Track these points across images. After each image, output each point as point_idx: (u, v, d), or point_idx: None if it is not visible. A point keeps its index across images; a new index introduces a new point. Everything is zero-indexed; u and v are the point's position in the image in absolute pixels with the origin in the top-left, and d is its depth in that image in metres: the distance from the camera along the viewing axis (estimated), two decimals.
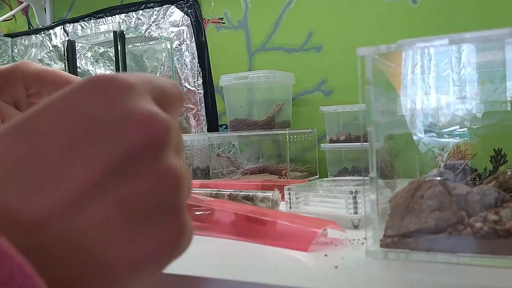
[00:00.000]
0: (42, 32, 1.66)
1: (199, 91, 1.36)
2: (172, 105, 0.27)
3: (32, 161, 0.20)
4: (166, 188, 0.23)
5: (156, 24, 1.43)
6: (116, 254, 0.21)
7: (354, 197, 0.54)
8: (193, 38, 1.36)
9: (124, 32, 1.23)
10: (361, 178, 0.71)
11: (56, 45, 1.64)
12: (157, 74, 1.42)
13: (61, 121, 0.21)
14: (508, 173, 0.47)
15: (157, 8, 1.43)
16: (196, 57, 1.36)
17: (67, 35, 1.59)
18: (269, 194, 0.66)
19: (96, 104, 0.22)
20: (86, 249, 0.20)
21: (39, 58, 1.67)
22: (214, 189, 0.73)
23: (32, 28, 1.73)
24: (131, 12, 1.48)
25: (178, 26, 1.39)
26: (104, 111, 0.22)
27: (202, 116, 1.36)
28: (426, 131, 0.53)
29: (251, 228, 0.50)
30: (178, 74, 1.39)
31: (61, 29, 1.62)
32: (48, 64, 1.65)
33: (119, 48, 1.21)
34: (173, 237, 0.23)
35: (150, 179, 0.22)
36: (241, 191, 0.70)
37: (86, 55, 1.54)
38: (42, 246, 0.19)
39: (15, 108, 0.49)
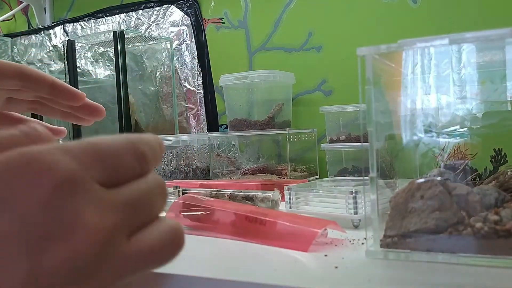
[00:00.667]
0: (42, 32, 1.66)
1: (199, 91, 1.36)
2: (123, 169, 0.23)
3: None
4: (75, 245, 0.19)
5: (156, 24, 1.43)
6: None
7: (354, 197, 0.54)
8: (193, 38, 1.36)
9: (124, 32, 1.23)
10: (361, 178, 0.71)
11: (56, 45, 1.64)
12: (157, 74, 1.41)
13: None
14: (509, 173, 0.47)
15: (157, 8, 1.43)
16: (196, 57, 1.36)
17: (67, 35, 1.59)
18: (269, 194, 0.66)
19: (27, 204, 0.19)
20: None
21: (39, 58, 1.67)
22: (214, 189, 0.73)
23: (32, 28, 1.72)
24: (131, 12, 1.48)
25: (178, 26, 1.39)
26: (34, 216, 0.19)
27: (202, 116, 1.36)
28: (426, 131, 0.53)
29: (251, 228, 0.50)
30: (178, 74, 1.39)
31: (61, 29, 1.62)
32: (48, 64, 1.65)
33: (119, 48, 1.21)
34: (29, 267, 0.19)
35: (53, 234, 0.19)
36: (241, 191, 0.70)
37: (86, 55, 1.54)
38: None
39: None
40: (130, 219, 0.22)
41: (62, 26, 1.62)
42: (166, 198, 0.26)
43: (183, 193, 0.71)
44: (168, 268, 0.40)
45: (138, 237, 0.22)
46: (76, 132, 1.24)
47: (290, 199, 0.61)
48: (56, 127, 0.53)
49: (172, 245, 0.24)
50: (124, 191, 0.22)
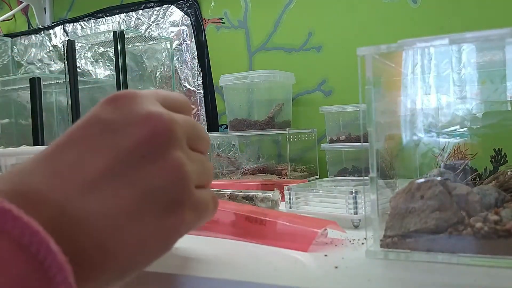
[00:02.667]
0: (42, 32, 1.66)
1: (199, 91, 1.36)
2: (180, 108, 0.31)
3: (63, 155, 0.25)
4: (167, 175, 0.27)
5: (156, 24, 1.43)
6: (127, 230, 0.25)
7: (354, 197, 0.54)
8: (193, 38, 1.36)
9: (124, 32, 1.23)
10: (361, 178, 0.71)
11: (56, 45, 1.64)
12: (157, 74, 1.41)
13: (84, 127, 0.27)
14: (509, 173, 0.47)
15: (157, 8, 1.43)
16: (196, 57, 1.36)
17: (67, 35, 1.59)
18: (269, 194, 0.66)
19: (107, 110, 0.27)
20: (102, 222, 0.24)
21: (39, 58, 1.67)
22: (214, 189, 0.73)
23: (32, 28, 1.72)
24: (131, 12, 1.48)
25: (178, 26, 1.39)
26: (113, 115, 0.27)
27: (202, 116, 1.36)
28: (426, 131, 0.53)
29: (251, 228, 0.50)
30: (178, 74, 1.39)
31: (61, 29, 1.62)
32: (48, 64, 1.65)
33: (119, 48, 1.21)
34: (174, 225, 0.27)
35: (152, 167, 0.26)
36: (241, 191, 0.70)
37: (86, 55, 1.54)
38: (62, 218, 0.23)
39: None
40: (198, 173, 0.29)
41: (62, 26, 1.62)
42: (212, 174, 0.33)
43: None
44: (168, 268, 0.40)
45: (200, 191, 0.29)
46: None
47: (290, 199, 0.61)
48: None
49: (214, 209, 0.32)
50: (197, 155, 0.30)
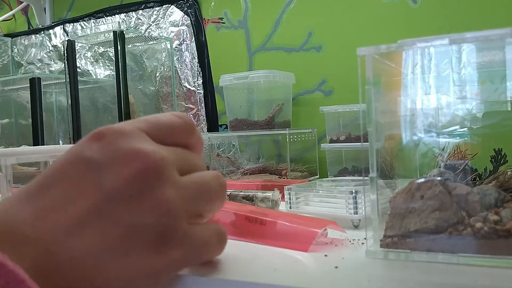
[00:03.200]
0: (42, 32, 1.66)
1: (199, 91, 1.36)
2: (175, 133, 0.31)
3: (45, 195, 0.25)
4: (153, 213, 0.26)
5: (156, 24, 1.43)
6: (112, 270, 0.24)
7: (354, 197, 0.54)
8: (193, 38, 1.36)
9: (124, 32, 1.23)
10: (361, 178, 0.71)
11: (56, 45, 1.64)
12: (157, 74, 1.41)
13: (68, 165, 0.26)
14: (509, 173, 0.47)
15: (157, 8, 1.43)
16: (196, 57, 1.36)
17: (67, 35, 1.59)
18: (269, 194, 0.66)
19: (92, 148, 0.27)
20: (87, 263, 0.24)
21: (39, 58, 1.67)
22: None
23: (32, 28, 1.72)
24: (131, 12, 1.48)
25: (178, 26, 1.39)
26: (98, 153, 0.27)
27: (202, 116, 1.36)
28: (426, 131, 0.53)
29: (251, 228, 0.50)
30: (178, 74, 1.39)
31: (61, 29, 1.62)
32: (48, 64, 1.65)
33: (119, 48, 1.21)
34: (161, 263, 0.27)
35: (137, 205, 0.26)
36: (241, 191, 0.70)
37: (86, 55, 1.54)
38: (48, 261, 0.22)
39: None
40: (194, 203, 0.29)
41: (62, 26, 1.62)
42: (224, 191, 0.33)
43: None
44: None
45: (196, 227, 0.29)
46: (76, 133, 1.24)
47: (290, 199, 0.61)
48: None
49: (218, 244, 0.33)
50: (193, 180, 0.30)
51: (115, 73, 1.22)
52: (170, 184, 0.28)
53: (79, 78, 1.31)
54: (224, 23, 1.33)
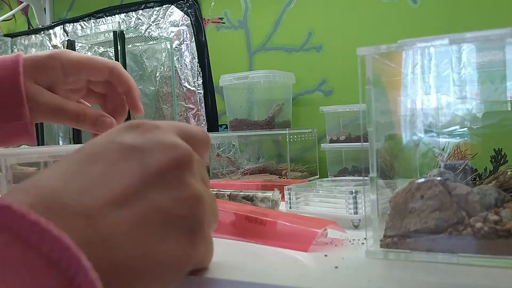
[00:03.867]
0: (42, 32, 1.66)
1: (199, 91, 1.36)
2: (197, 144, 0.33)
3: (87, 171, 0.26)
4: (188, 204, 0.28)
5: (156, 24, 1.43)
6: (145, 258, 0.25)
7: (354, 197, 0.54)
8: (193, 38, 1.36)
9: (124, 32, 1.23)
10: (361, 178, 0.71)
11: (56, 45, 1.64)
12: (157, 74, 1.41)
13: (106, 147, 0.28)
14: (509, 173, 0.47)
15: (157, 8, 1.43)
16: (196, 57, 1.36)
17: (67, 35, 1.59)
18: (269, 194, 0.66)
19: (130, 136, 0.29)
20: (126, 241, 0.24)
21: None
22: (214, 189, 0.73)
23: (32, 28, 1.72)
24: (131, 12, 1.48)
25: (178, 26, 1.39)
26: (138, 140, 0.28)
27: (202, 116, 1.36)
28: (426, 131, 0.53)
29: (251, 228, 0.50)
30: (178, 74, 1.39)
31: (61, 29, 1.62)
32: None
33: (119, 48, 1.21)
34: (187, 258, 0.28)
35: (175, 193, 0.28)
36: (241, 191, 0.70)
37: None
38: (94, 233, 0.23)
39: (50, 91, 0.53)
40: (210, 210, 0.31)
41: (62, 26, 1.62)
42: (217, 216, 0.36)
43: None
44: None
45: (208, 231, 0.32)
46: (76, 133, 1.24)
47: (290, 199, 0.61)
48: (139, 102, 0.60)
49: (210, 256, 0.35)
50: (211, 193, 0.33)
51: None
52: (199, 179, 0.30)
53: None
54: (224, 23, 1.33)
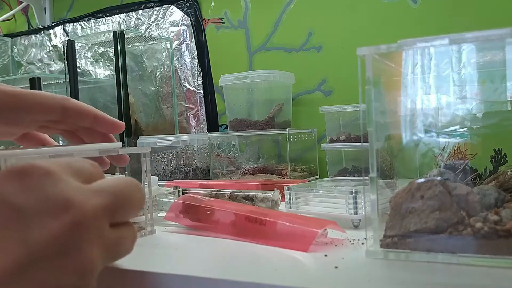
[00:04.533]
0: (42, 32, 1.66)
1: (199, 91, 1.36)
2: (92, 177, 0.28)
3: None
4: (79, 278, 0.24)
5: (156, 24, 1.43)
6: None
7: (354, 197, 0.54)
8: (193, 38, 1.36)
9: (124, 32, 1.23)
10: (361, 178, 0.71)
11: (56, 45, 1.64)
12: (157, 74, 1.41)
13: None
14: (509, 173, 0.47)
15: (157, 8, 1.43)
16: (196, 57, 1.36)
17: (67, 35, 1.59)
18: (269, 194, 0.66)
19: (15, 189, 0.23)
20: None
21: (39, 58, 1.67)
22: (214, 189, 0.73)
23: (32, 28, 1.72)
24: (131, 12, 1.48)
25: (178, 26, 1.39)
26: (22, 197, 0.23)
27: (202, 116, 1.36)
28: (426, 131, 0.53)
29: (251, 228, 0.50)
30: (178, 74, 1.39)
31: (61, 29, 1.62)
32: (48, 64, 1.65)
33: (119, 48, 1.21)
34: None
35: (66, 267, 0.23)
36: (241, 191, 0.70)
37: (86, 55, 1.54)
38: None
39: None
40: (111, 252, 0.28)
41: (62, 26, 1.62)
42: (142, 196, 0.31)
43: (183, 193, 0.71)
44: (168, 268, 0.40)
45: (117, 230, 0.28)
46: None
47: (290, 199, 0.61)
48: (113, 120, 0.52)
49: (131, 246, 0.31)
50: (117, 233, 0.29)
51: (115, 73, 1.22)
52: (98, 239, 0.25)
53: (79, 78, 1.31)
54: (224, 23, 1.33)
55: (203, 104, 1.35)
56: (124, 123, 0.53)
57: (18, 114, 0.44)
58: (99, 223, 0.26)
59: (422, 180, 0.42)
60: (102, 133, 0.51)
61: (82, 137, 0.51)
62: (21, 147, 0.56)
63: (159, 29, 1.42)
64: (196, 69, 1.36)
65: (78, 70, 1.34)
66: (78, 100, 0.54)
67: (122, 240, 0.29)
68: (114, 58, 1.22)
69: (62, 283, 0.23)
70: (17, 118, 0.44)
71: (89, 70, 1.53)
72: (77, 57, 1.34)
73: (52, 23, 1.65)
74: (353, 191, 0.54)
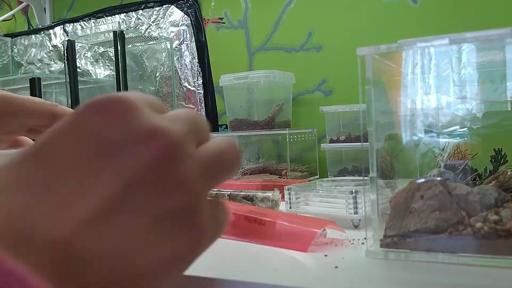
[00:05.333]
0: (42, 32, 1.66)
1: (199, 91, 1.36)
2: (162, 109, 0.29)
3: (51, 184, 0.21)
4: (181, 196, 0.24)
5: (156, 24, 1.43)
6: (143, 261, 0.23)
7: (354, 197, 0.54)
8: (193, 38, 1.36)
9: (124, 32, 1.23)
10: (361, 178, 0.71)
11: (56, 45, 1.64)
12: (157, 74, 1.41)
13: (72, 144, 0.23)
14: (508, 173, 0.47)
15: (157, 8, 1.43)
16: (196, 57, 1.36)
17: (67, 35, 1.59)
18: (269, 194, 0.66)
19: (102, 124, 0.24)
20: (115, 259, 0.21)
21: (39, 58, 1.67)
22: (214, 189, 0.73)
23: (32, 28, 1.72)
24: (131, 12, 1.48)
25: (178, 26, 1.39)
26: (110, 130, 0.23)
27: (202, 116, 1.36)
28: (426, 131, 0.53)
29: (250, 228, 0.50)
30: (178, 74, 1.39)
31: (61, 29, 1.62)
32: (48, 64, 1.65)
33: (119, 48, 1.21)
34: (193, 240, 0.25)
35: (164, 194, 0.24)
36: (241, 191, 0.70)
37: (86, 55, 1.54)
38: (76, 262, 0.20)
39: None
40: (212, 176, 0.27)
41: (62, 26, 1.62)
42: (239, 157, 0.30)
43: None
44: None
45: (211, 204, 0.28)
46: None
47: (290, 199, 0.61)
48: None
49: (233, 162, 0.29)
50: (207, 152, 0.28)
51: (115, 73, 1.22)
52: (191, 160, 0.25)
53: (79, 78, 1.31)
54: (224, 23, 1.33)
55: (203, 104, 1.36)
56: None
57: (6, 118, 0.45)
58: (187, 145, 0.26)
59: (422, 180, 0.42)
60: None
61: None
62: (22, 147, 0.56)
63: (159, 29, 1.42)
64: (196, 69, 1.36)
65: (78, 70, 1.34)
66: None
67: (218, 157, 0.28)
68: (114, 58, 1.22)
69: (163, 208, 0.23)
70: (5, 122, 0.46)
71: (89, 70, 1.53)
72: (77, 57, 1.34)
73: (52, 23, 1.65)
74: (353, 191, 0.54)
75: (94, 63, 1.53)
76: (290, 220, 0.48)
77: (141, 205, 0.23)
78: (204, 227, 0.26)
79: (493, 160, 0.54)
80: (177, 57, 1.39)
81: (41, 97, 1.32)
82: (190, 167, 0.25)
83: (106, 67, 1.51)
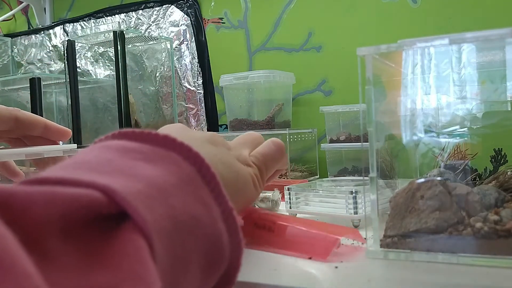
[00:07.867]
0: (42, 32, 1.66)
1: (199, 91, 1.36)
2: (271, 164, 0.50)
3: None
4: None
5: (156, 24, 1.43)
6: (232, 171, 0.39)
7: (354, 197, 0.54)
8: (193, 38, 1.36)
9: (124, 32, 1.23)
10: (361, 178, 0.71)
11: (56, 45, 1.64)
12: (157, 74, 1.41)
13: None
14: (509, 173, 0.47)
15: (157, 8, 1.43)
16: (196, 57, 1.36)
17: (67, 35, 1.59)
18: (269, 194, 0.66)
19: (210, 149, 0.39)
20: (220, 163, 0.38)
21: (39, 58, 1.67)
22: None
23: (32, 28, 1.72)
24: (131, 12, 1.48)
25: (178, 26, 1.39)
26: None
27: (202, 116, 1.36)
28: (426, 131, 0.53)
29: (260, 234, 0.47)
30: (178, 74, 1.39)
31: (61, 29, 1.62)
32: (48, 64, 1.65)
33: (119, 48, 1.21)
34: (249, 178, 0.43)
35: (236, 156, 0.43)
36: None
37: (86, 55, 1.54)
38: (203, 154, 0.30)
39: None
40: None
41: (62, 26, 1.62)
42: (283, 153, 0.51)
43: None
44: None
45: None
46: (76, 133, 1.24)
47: (290, 199, 0.61)
48: (62, 128, 0.57)
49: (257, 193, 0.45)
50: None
51: (115, 73, 1.22)
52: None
53: (79, 78, 1.31)
54: (224, 23, 1.33)
55: (203, 104, 1.35)
56: (71, 131, 0.59)
57: None
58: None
59: (422, 180, 0.42)
60: (51, 140, 0.57)
61: (29, 144, 0.57)
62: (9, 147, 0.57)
63: (159, 29, 1.42)
64: (196, 69, 1.36)
65: (78, 70, 1.34)
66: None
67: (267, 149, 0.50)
68: (114, 58, 1.22)
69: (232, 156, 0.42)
70: None
71: (89, 70, 1.53)
72: (77, 57, 1.34)
73: (52, 23, 1.65)
74: (353, 191, 0.54)
75: (94, 63, 1.53)
76: (308, 228, 0.45)
77: (218, 150, 0.39)
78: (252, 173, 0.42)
79: (493, 160, 0.54)
80: (177, 57, 1.39)
81: (41, 97, 1.32)
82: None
83: (106, 67, 1.51)
